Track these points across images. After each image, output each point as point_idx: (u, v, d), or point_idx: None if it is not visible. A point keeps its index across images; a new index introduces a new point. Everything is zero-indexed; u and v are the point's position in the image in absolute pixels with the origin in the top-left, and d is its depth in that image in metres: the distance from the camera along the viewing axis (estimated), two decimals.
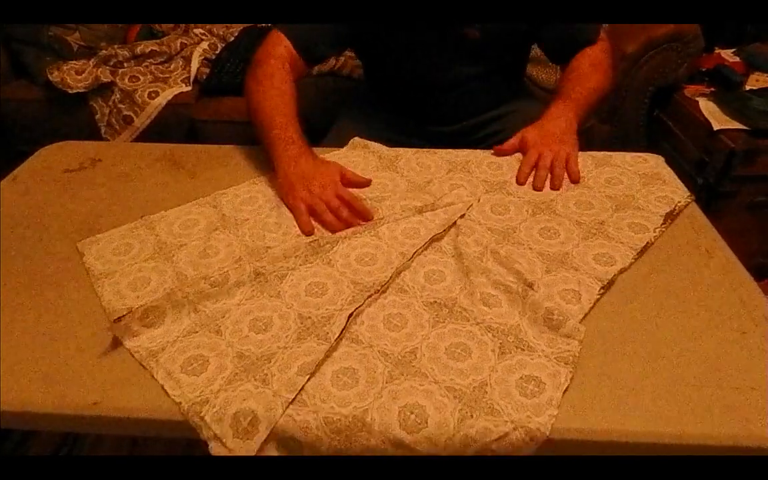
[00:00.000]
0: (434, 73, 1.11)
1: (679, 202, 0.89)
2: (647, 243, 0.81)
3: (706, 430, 0.57)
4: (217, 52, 1.94)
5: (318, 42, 1.08)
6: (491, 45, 1.07)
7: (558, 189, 0.92)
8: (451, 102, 1.16)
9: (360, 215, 0.86)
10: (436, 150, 1.04)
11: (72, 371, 0.63)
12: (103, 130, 1.80)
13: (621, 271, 0.76)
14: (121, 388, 0.61)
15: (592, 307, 0.71)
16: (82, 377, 0.62)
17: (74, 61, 1.82)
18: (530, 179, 0.94)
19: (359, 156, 1.03)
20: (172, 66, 1.90)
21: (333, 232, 0.83)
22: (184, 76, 1.85)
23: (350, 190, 0.90)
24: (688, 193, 0.92)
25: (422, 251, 0.80)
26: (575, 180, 0.94)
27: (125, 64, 1.87)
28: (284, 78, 1.02)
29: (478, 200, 0.90)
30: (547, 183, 0.94)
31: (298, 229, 0.85)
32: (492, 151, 1.01)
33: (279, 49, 1.05)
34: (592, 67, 1.05)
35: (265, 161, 1.01)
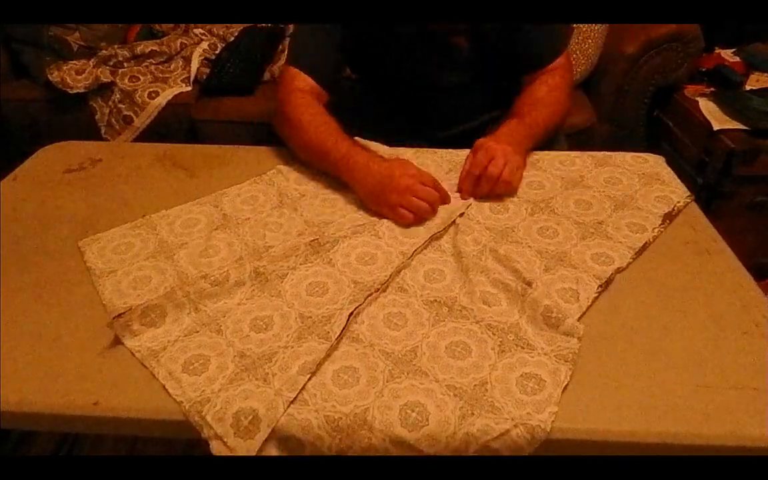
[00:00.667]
0: (427, 81, 1.11)
1: (678, 202, 0.90)
2: (645, 243, 0.81)
3: (706, 430, 0.57)
4: (217, 52, 1.94)
5: (332, 67, 1.07)
6: (480, 52, 1.08)
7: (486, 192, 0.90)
8: (447, 108, 1.16)
9: (445, 197, 0.89)
10: (436, 150, 1.04)
11: (72, 371, 0.63)
12: (103, 130, 1.80)
13: (618, 271, 0.76)
14: (122, 388, 0.61)
15: (590, 306, 0.71)
16: (82, 377, 0.62)
17: (74, 61, 1.82)
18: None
19: None
20: (172, 66, 1.90)
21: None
22: (184, 76, 1.85)
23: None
24: (688, 193, 0.92)
25: (422, 250, 0.80)
26: (499, 188, 0.90)
27: (125, 64, 1.87)
28: (315, 105, 1.02)
29: (478, 199, 0.91)
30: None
31: (298, 227, 0.85)
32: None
33: (299, 84, 1.03)
34: (549, 93, 1.05)
35: (265, 161, 1.02)
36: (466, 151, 1.02)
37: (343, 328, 0.66)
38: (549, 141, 1.05)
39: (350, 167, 0.91)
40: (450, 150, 1.04)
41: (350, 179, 0.91)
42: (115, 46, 1.90)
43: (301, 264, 0.77)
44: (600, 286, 0.73)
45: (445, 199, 0.89)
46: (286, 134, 1.02)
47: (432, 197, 0.86)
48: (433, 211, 0.86)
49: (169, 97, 1.79)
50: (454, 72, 1.10)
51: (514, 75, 1.24)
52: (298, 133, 0.98)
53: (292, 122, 0.99)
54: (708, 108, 1.65)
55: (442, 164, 1.00)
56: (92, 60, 1.83)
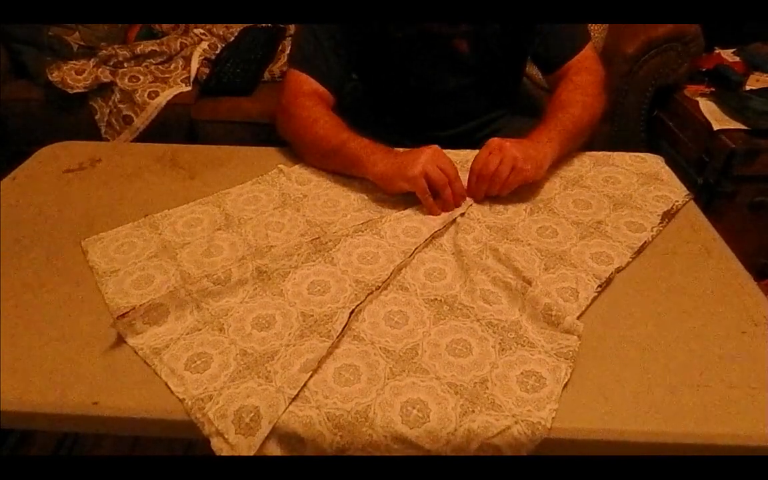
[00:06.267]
0: (429, 85, 1.12)
1: (677, 201, 0.90)
2: (645, 242, 0.81)
3: (706, 430, 0.57)
4: (217, 52, 1.94)
5: (337, 72, 1.07)
6: (481, 56, 1.08)
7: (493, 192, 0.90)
8: (448, 110, 1.17)
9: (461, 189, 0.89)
10: None
11: (72, 371, 0.63)
12: (103, 130, 1.80)
13: (618, 270, 0.76)
14: (122, 387, 0.61)
15: (589, 305, 0.71)
16: (83, 377, 0.62)
17: (74, 61, 1.82)
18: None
19: None
20: (172, 66, 1.91)
21: (450, 206, 0.87)
22: (184, 76, 1.85)
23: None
24: (687, 193, 0.92)
25: (422, 249, 0.80)
26: (492, 189, 0.89)
27: (125, 64, 1.87)
28: (324, 105, 1.02)
29: (479, 200, 0.91)
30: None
31: (301, 227, 0.85)
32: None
33: (306, 87, 1.03)
34: (574, 92, 1.02)
35: (265, 161, 1.02)
36: (466, 151, 1.03)
37: (345, 327, 0.66)
38: None
39: (373, 152, 0.91)
40: (450, 150, 1.03)
41: (372, 164, 0.90)
42: (115, 46, 1.90)
43: (303, 263, 0.77)
44: (599, 285, 0.73)
45: (461, 191, 0.89)
46: (294, 133, 1.01)
47: (452, 172, 0.87)
48: (450, 188, 0.87)
49: (169, 97, 1.79)
50: (455, 75, 1.11)
51: (514, 76, 1.24)
52: (310, 129, 0.98)
53: (302, 119, 0.99)
54: (708, 108, 1.65)
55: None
56: (92, 60, 1.83)
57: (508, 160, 0.87)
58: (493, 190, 0.89)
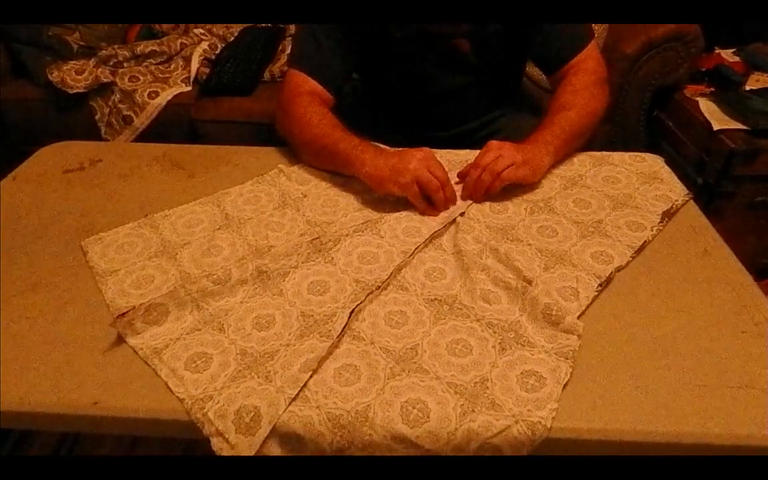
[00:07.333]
0: (429, 84, 1.12)
1: (676, 200, 0.90)
2: (645, 241, 0.81)
3: (706, 430, 0.57)
4: (217, 52, 1.94)
5: (336, 72, 1.07)
6: (482, 56, 1.08)
7: (482, 191, 0.90)
8: (448, 110, 1.17)
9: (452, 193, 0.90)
10: (437, 150, 1.03)
11: (72, 371, 0.63)
12: (103, 130, 1.80)
13: (618, 269, 0.76)
14: (122, 387, 0.61)
15: (589, 305, 0.71)
16: (83, 377, 0.62)
17: (74, 61, 1.82)
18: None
19: None
20: (172, 66, 1.91)
21: (442, 209, 0.88)
22: (184, 76, 1.85)
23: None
24: (686, 192, 0.92)
25: (422, 249, 0.80)
26: (485, 176, 0.89)
27: (125, 64, 1.87)
28: (321, 105, 1.02)
29: (472, 193, 0.91)
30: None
31: (301, 227, 0.85)
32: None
33: (305, 87, 1.03)
34: (574, 95, 1.02)
35: (265, 161, 1.02)
36: (466, 151, 1.03)
37: (344, 326, 0.66)
38: None
39: (363, 151, 0.91)
40: (449, 150, 1.04)
41: (361, 164, 0.90)
42: (115, 46, 1.90)
43: (302, 263, 0.77)
44: (600, 284, 0.73)
45: (452, 194, 0.89)
46: (290, 131, 1.02)
47: (443, 176, 0.88)
48: (442, 192, 0.87)
49: (169, 97, 1.79)
50: (456, 75, 1.11)
51: (515, 76, 1.24)
52: (305, 128, 0.98)
53: (298, 118, 0.99)
54: (708, 108, 1.65)
55: (442, 163, 1.00)
56: (92, 60, 1.83)
57: (506, 156, 0.89)
58: (486, 178, 0.89)
